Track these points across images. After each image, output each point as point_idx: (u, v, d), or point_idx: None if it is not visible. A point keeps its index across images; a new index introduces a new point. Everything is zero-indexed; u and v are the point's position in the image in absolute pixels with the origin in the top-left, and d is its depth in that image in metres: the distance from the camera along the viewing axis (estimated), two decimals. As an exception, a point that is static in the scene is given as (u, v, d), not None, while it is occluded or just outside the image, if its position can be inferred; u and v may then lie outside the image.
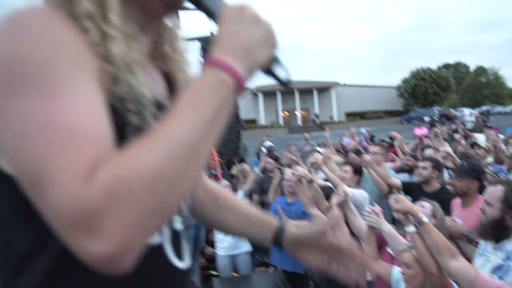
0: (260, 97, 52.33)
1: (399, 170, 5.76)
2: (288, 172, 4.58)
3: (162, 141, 0.63)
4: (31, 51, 0.65)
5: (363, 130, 13.62)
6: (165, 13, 0.92)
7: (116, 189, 0.58)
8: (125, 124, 0.76)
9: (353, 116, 52.60)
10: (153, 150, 0.62)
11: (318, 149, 7.23)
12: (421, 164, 4.47)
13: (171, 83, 1.00)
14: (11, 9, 0.72)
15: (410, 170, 5.48)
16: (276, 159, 6.63)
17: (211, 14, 0.84)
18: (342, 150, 9.25)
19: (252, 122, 48.72)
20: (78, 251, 0.60)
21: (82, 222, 0.58)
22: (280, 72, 0.82)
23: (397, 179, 4.83)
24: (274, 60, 0.82)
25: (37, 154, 0.61)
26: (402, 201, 2.50)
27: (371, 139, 11.88)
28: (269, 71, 0.82)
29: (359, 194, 4.04)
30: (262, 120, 51.73)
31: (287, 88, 0.87)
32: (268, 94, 51.50)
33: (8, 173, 0.72)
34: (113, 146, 0.67)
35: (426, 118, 29.34)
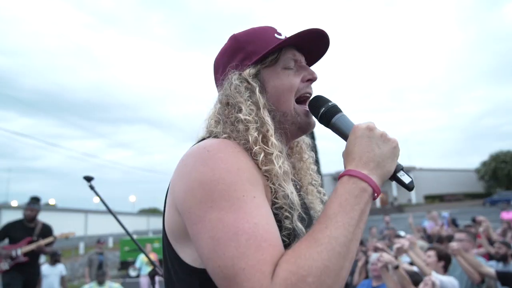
0: (340, 181, 50.83)
1: (488, 257, 5.02)
2: (373, 256, 4.27)
3: (325, 242, 0.73)
4: (222, 175, 0.80)
5: (445, 213, 12.35)
6: (300, 135, 1.10)
7: (294, 284, 0.68)
8: (281, 227, 0.86)
9: (431, 198, 48.35)
10: (319, 251, 0.72)
11: (401, 233, 6.68)
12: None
13: (298, 189, 1.11)
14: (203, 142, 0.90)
15: (502, 258, 4.74)
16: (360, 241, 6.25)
17: (342, 134, 0.97)
18: (424, 234, 8.43)
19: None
20: None
21: None
22: (404, 178, 0.89)
23: (491, 268, 4.19)
24: (399, 168, 0.90)
25: (231, 254, 0.71)
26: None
27: (453, 223, 10.67)
28: (395, 178, 0.90)
29: (449, 281, 3.58)
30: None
31: (409, 191, 0.93)
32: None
33: (191, 265, 0.86)
34: (283, 247, 0.77)
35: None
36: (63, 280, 7.67)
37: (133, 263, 16.41)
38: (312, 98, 1.04)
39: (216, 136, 0.95)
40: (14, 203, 33.85)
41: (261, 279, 0.68)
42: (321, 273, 0.68)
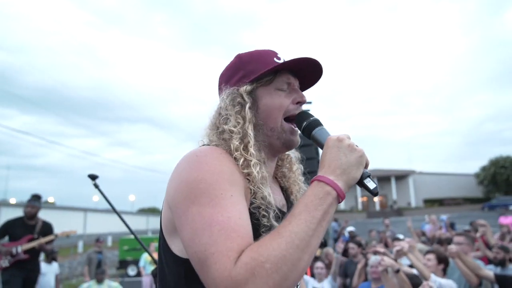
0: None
1: (487, 261, 5.03)
2: (373, 258, 4.29)
3: (285, 236, 0.82)
4: (205, 176, 0.93)
5: (443, 217, 12.38)
6: (285, 151, 1.22)
7: (253, 268, 0.77)
8: (259, 225, 0.99)
9: (431, 202, 48.34)
10: (279, 242, 0.81)
11: (400, 236, 6.70)
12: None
13: (288, 195, 1.27)
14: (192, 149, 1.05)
15: (500, 263, 4.75)
16: (359, 244, 6.27)
17: (320, 145, 1.09)
18: (423, 237, 8.44)
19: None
20: None
21: None
22: (369, 184, 0.99)
23: (490, 271, 4.21)
24: (366, 175, 1.00)
25: (205, 241, 0.83)
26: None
27: (451, 226, 10.69)
28: (361, 183, 1.00)
29: (447, 284, 3.61)
30: (342, 205, 49.76)
31: (374, 196, 1.03)
32: (347, 181, 50.00)
33: (178, 255, 1.00)
34: (252, 239, 0.88)
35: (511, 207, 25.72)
36: (57, 279, 7.69)
37: (132, 262, 16.43)
38: (298, 113, 1.15)
39: (208, 144, 1.11)
40: (13, 201, 33.84)
41: (226, 262, 0.78)
42: (278, 260, 0.78)
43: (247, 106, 1.09)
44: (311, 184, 0.94)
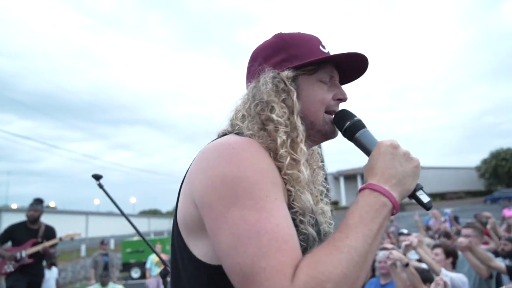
0: (342, 180, 51.04)
1: (494, 254, 5.00)
2: (380, 253, 4.26)
3: (345, 251, 0.73)
4: (247, 173, 0.80)
5: (447, 210, 12.36)
6: (321, 142, 1.11)
7: (318, 283, 0.68)
8: (297, 232, 0.85)
9: (433, 197, 48.26)
10: (340, 258, 0.72)
11: (404, 231, 6.66)
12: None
13: None
14: (225, 138, 0.90)
15: (508, 254, 4.72)
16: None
17: (365, 149, 0.99)
18: (429, 231, 8.41)
19: (335, 204, 47.13)
20: None
21: None
22: (423, 197, 0.91)
23: (501, 262, 4.17)
24: (419, 187, 0.92)
25: (252, 252, 0.72)
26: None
27: (456, 220, 10.67)
28: (414, 196, 0.91)
29: (458, 278, 3.57)
30: (344, 202, 49.81)
31: (427, 210, 0.94)
32: (349, 177, 50.13)
33: (201, 260, 0.86)
34: (301, 251, 0.77)
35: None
36: (58, 284, 7.68)
37: (135, 264, 16.40)
38: (338, 112, 1.05)
39: (239, 132, 0.95)
40: (14, 206, 33.79)
41: (282, 280, 0.68)
42: (339, 280, 0.69)
43: (295, 95, 0.97)
44: (361, 192, 0.85)
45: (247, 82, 1.08)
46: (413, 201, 0.91)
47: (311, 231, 0.90)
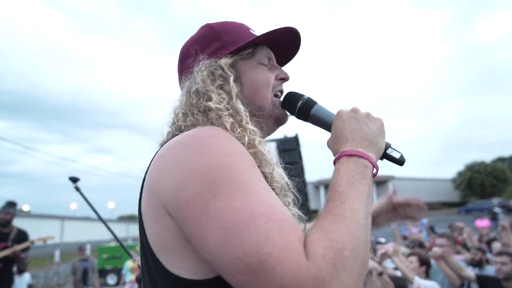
0: (322, 189, 51.48)
1: (466, 263, 5.13)
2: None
3: (348, 216, 0.69)
4: (221, 160, 0.72)
5: (423, 220, 12.63)
6: (275, 129, 1.07)
7: (333, 259, 0.62)
8: None
9: (410, 207, 49.15)
10: (347, 224, 0.68)
11: (381, 240, 6.76)
12: (499, 259, 3.93)
13: None
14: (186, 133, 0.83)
15: (478, 263, 4.86)
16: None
17: (324, 124, 0.97)
18: (405, 241, 8.56)
19: (315, 213, 47.34)
20: None
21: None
22: (394, 154, 0.91)
23: (471, 272, 4.29)
24: (387, 145, 0.91)
25: (252, 240, 0.63)
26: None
27: (432, 230, 10.91)
28: (386, 155, 0.91)
29: (431, 286, 3.65)
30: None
31: (401, 166, 0.93)
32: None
33: (193, 279, 0.74)
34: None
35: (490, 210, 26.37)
36: None
37: (111, 271, 15.99)
38: (286, 95, 1.03)
39: (190, 126, 0.89)
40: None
41: (296, 259, 0.61)
42: (355, 245, 0.65)
43: (231, 79, 0.92)
44: (338, 161, 0.82)
45: (180, 82, 1.03)
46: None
47: (296, 210, 0.88)
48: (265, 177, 0.83)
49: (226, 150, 0.74)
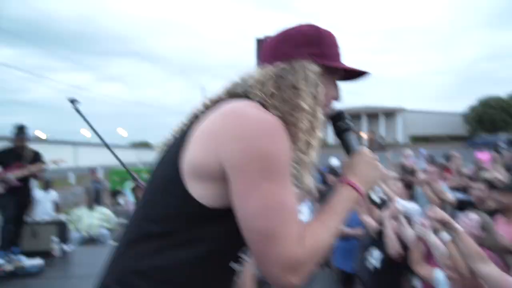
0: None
1: (454, 189, 5.44)
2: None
3: (331, 230, 1.02)
4: (280, 152, 0.95)
5: (422, 150, 12.90)
6: None
7: (315, 250, 0.97)
8: None
9: (417, 140, 49.57)
10: (328, 234, 1.01)
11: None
12: (474, 185, 4.23)
13: None
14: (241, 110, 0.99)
15: (464, 189, 5.17)
16: (335, 174, 6.67)
17: (347, 147, 1.24)
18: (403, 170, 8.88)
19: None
20: (279, 281, 0.92)
21: (294, 266, 0.92)
22: (374, 196, 1.20)
23: (451, 195, 4.60)
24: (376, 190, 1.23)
25: (277, 220, 0.92)
26: (438, 212, 2.40)
27: (431, 160, 11.20)
28: (369, 196, 1.22)
29: (411, 206, 3.96)
30: (331, 140, 50.77)
31: (377, 207, 1.25)
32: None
33: (209, 206, 0.99)
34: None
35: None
36: (57, 206, 8.02)
37: (121, 192, 16.99)
38: (339, 110, 1.23)
39: (265, 106, 1.04)
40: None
41: (294, 243, 0.92)
42: (326, 246, 1.00)
43: (320, 88, 1.08)
44: (346, 186, 1.10)
45: (270, 58, 1.12)
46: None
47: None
48: (296, 178, 1.07)
49: (285, 146, 0.96)
